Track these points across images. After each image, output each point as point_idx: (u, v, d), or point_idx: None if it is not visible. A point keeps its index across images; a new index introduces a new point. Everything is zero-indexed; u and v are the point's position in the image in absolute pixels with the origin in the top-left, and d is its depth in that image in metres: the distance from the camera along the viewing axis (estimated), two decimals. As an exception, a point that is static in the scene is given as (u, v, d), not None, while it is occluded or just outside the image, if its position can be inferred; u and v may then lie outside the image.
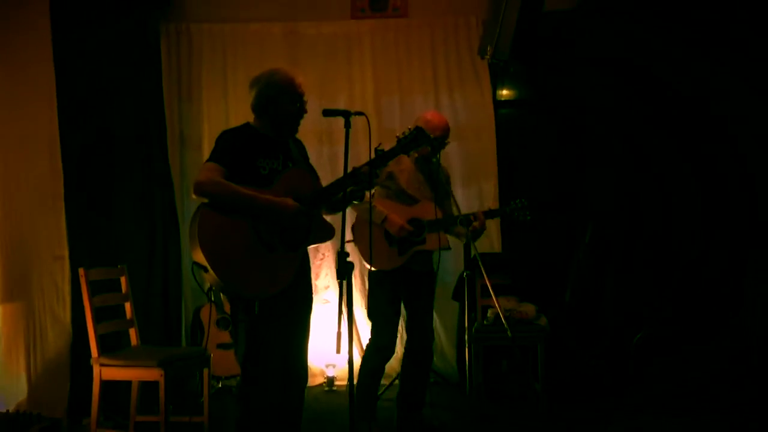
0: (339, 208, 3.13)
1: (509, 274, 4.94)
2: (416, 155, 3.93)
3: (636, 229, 5.52)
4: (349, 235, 3.90)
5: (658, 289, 5.35)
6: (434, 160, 3.97)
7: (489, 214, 4.01)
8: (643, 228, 5.52)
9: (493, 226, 5.53)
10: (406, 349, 4.04)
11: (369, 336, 3.98)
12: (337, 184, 3.04)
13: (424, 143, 3.23)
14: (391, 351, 3.97)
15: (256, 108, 3.10)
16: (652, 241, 5.50)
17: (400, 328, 4.10)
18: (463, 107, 5.65)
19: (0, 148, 3.94)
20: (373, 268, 3.89)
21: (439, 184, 4.02)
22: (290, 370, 3.10)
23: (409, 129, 3.22)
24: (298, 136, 3.28)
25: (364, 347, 4.01)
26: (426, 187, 4.03)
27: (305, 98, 3.10)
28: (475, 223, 3.90)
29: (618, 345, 5.11)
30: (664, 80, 5.39)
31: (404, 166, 3.98)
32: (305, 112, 3.13)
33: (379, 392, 4.69)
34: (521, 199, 4.04)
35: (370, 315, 3.99)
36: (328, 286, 5.55)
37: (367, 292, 3.87)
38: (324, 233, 3.10)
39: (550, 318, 4.63)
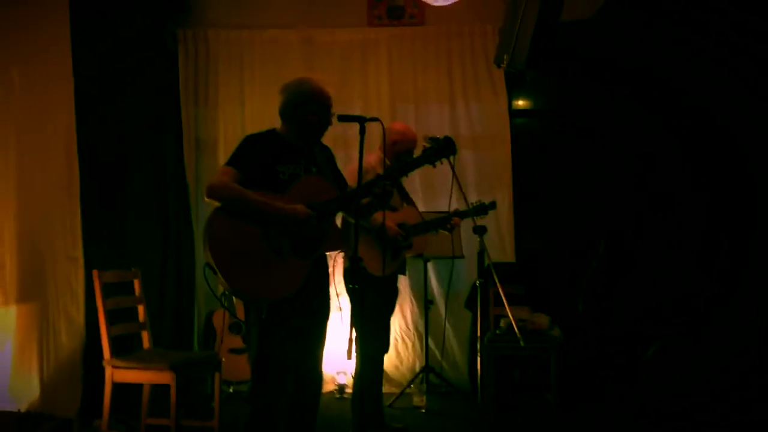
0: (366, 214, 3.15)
1: (522, 284, 4.92)
2: (388, 163, 3.99)
3: (650, 241, 5.47)
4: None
5: (670, 301, 5.30)
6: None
7: (460, 214, 4.31)
8: (656, 241, 5.47)
9: (506, 235, 5.51)
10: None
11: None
12: (351, 194, 3.05)
13: (450, 153, 3.25)
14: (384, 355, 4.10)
15: (283, 114, 3.13)
16: (665, 254, 5.45)
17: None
18: (478, 116, 5.65)
19: (17, 149, 3.96)
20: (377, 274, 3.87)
21: (404, 191, 4.21)
22: (305, 378, 3.10)
23: (434, 139, 3.25)
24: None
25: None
26: (396, 194, 4.07)
27: (332, 110, 3.13)
28: (455, 220, 4.23)
29: (630, 357, 5.06)
30: (682, 91, 5.35)
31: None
32: (330, 123, 3.15)
33: (389, 402, 4.69)
34: (481, 202, 4.35)
35: (362, 325, 3.86)
36: (340, 294, 5.51)
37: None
38: (336, 242, 3.10)
39: (563, 329, 4.60)
